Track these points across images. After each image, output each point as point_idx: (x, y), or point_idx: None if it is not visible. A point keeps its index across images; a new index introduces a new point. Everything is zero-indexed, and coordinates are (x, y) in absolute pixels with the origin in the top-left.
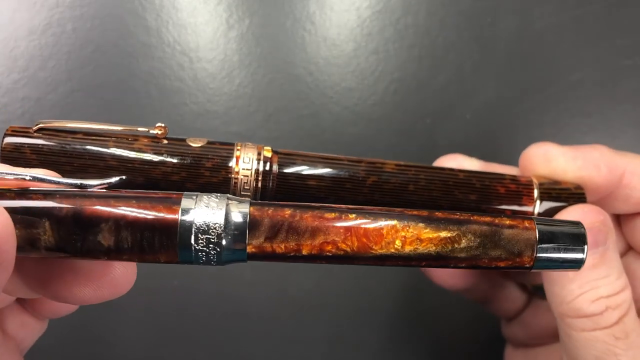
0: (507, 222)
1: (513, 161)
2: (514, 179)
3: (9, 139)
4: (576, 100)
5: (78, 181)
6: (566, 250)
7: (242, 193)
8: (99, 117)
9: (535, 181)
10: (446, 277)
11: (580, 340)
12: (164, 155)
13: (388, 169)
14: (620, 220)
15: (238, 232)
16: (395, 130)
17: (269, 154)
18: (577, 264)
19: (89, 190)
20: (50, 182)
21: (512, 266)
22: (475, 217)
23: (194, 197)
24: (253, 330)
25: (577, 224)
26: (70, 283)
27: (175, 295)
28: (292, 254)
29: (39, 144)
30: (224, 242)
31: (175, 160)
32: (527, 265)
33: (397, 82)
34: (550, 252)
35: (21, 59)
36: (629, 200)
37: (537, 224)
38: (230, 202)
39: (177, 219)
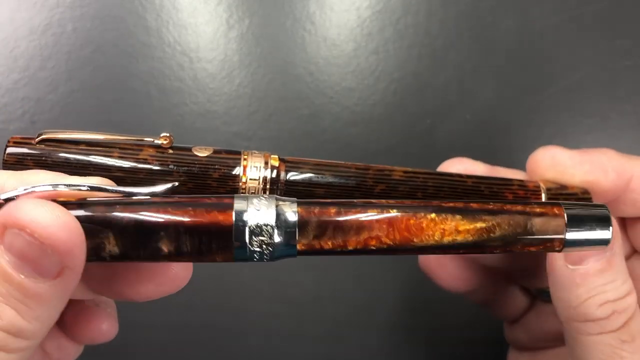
0: (538, 209)
1: (513, 161)
2: (521, 184)
3: (12, 150)
4: (576, 100)
5: (134, 189)
6: (593, 231)
7: None
8: (99, 117)
9: (542, 186)
10: (449, 279)
11: (586, 344)
12: (170, 165)
13: (396, 176)
14: (626, 223)
15: (289, 230)
16: (395, 130)
17: (276, 163)
18: (603, 243)
19: (145, 197)
20: (107, 191)
21: (544, 249)
22: (507, 207)
23: (245, 199)
24: (253, 329)
25: (602, 206)
26: (133, 282)
27: (174, 296)
28: (338, 249)
29: (42, 156)
30: (276, 240)
31: (181, 171)
32: (557, 249)
33: (397, 82)
34: (579, 234)
35: (21, 59)
36: (635, 204)
37: (565, 209)
38: (279, 202)
39: (232, 222)
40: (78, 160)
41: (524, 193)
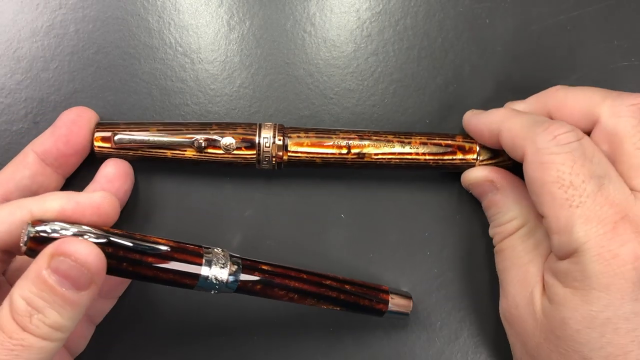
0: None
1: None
2: (462, 159)
3: (99, 149)
4: None
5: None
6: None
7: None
8: (100, 117)
9: (478, 157)
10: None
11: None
12: (205, 160)
13: (368, 159)
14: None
15: (234, 282)
16: (395, 131)
17: (281, 153)
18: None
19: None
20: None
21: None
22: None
23: (210, 257)
24: (253, 327)
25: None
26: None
27: (174, 295)
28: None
29: (121, 153)
30: (225, 287)
31: (213, 166)
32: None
33: (396, 83)
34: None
35: (24, 60)
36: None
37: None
38: (232, 266)
39: (199, 274)
40: (145, 156)
41: (460, 162)
